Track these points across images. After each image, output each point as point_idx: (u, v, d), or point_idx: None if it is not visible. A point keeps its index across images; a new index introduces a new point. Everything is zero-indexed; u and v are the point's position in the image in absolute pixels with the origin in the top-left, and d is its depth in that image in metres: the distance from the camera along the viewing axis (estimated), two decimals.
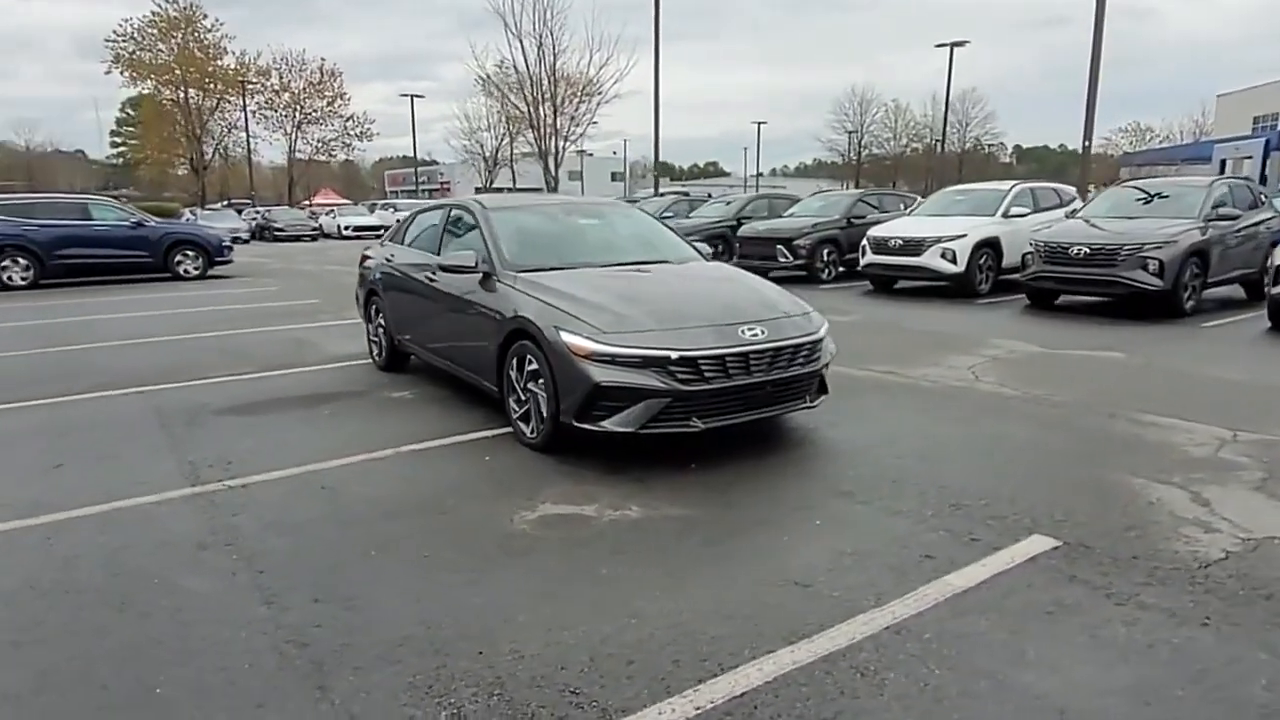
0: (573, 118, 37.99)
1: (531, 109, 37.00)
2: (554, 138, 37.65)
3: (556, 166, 38.07)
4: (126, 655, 2.52)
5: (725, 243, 14.28)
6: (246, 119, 46.30)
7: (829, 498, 3.81)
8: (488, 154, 52.73)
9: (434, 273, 5.50)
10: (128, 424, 5.20)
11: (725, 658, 2.45)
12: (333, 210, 40.23)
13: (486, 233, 5.18)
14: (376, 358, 6.82)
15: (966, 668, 2.38)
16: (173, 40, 44.28)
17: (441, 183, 68.34)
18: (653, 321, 4.17)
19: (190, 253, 14.89)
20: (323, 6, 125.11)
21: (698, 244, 5.85)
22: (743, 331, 4.19)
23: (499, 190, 44.20)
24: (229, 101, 47.46)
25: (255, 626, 2.68)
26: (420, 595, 2.89)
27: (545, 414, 4.25)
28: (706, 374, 4.04)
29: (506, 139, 50.36)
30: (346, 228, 35.26)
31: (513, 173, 51.99)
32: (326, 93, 51.37)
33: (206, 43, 45.94)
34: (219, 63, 46.51)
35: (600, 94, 36.44)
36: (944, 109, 41.54)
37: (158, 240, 14.40)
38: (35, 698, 2.32)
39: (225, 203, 45.57)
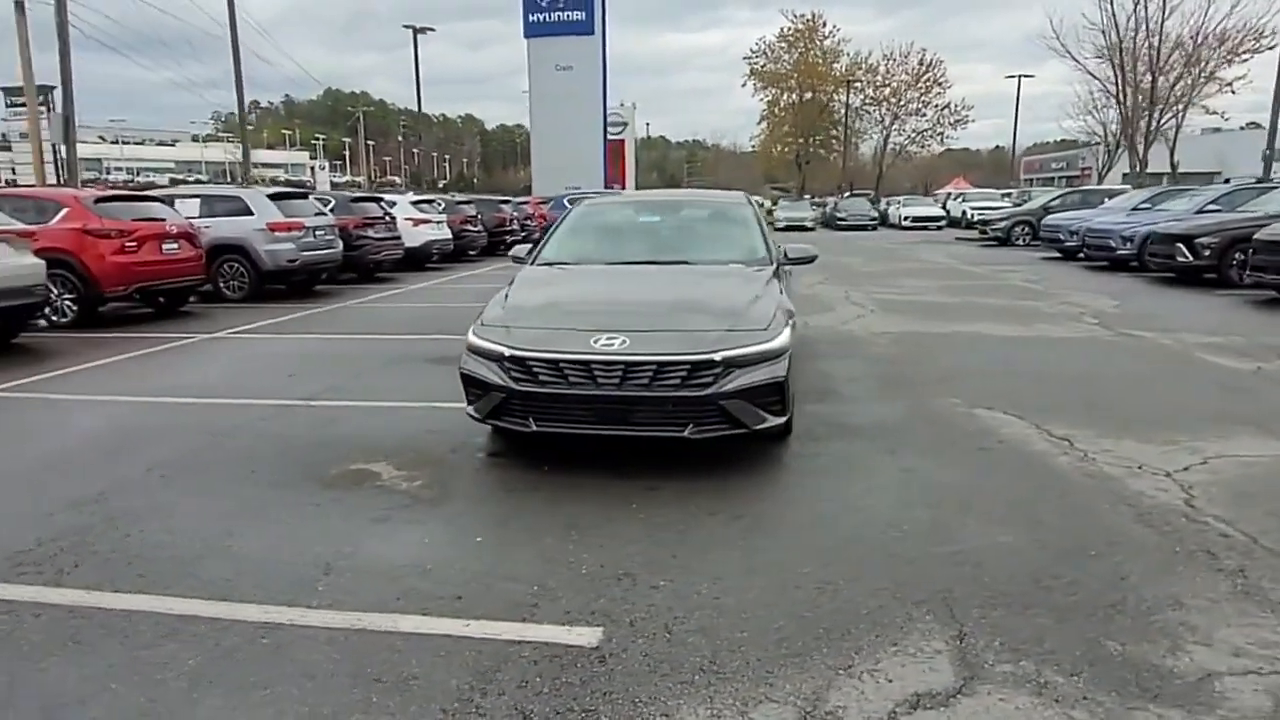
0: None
1: (1124, 74, 32.63)
2: (1150, 113, 32.66)
3: (1146, 147, 33.04)
4: (238, 453, 5.72)
5: None
6: (846, 116, 51.66)
7: None
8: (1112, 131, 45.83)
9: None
10: (360, 359, 8.57)
11: None
12: (898, 200, 42.30)
13: (555, 225, 6.12)
14: None
15: None
16: (795, 51, 51.84)
17: (1082, 169, 62.15)
18: (540, 320, 4.48)
19: None
20: None
21: (782, 248, 5.74)
22: (595, 340, 4.12)
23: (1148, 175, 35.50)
24: (836, 99, 53.37)
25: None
26: None
27: None
28: (540, 376, 4.12)
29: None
30: (906, 218, 37.07)
31: (1171, 153, 37.41)
32: (925, 83, 53.40)
33: (825, 48, 52.35)
34: (834, 65, 52.53)
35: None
36: None
37: None
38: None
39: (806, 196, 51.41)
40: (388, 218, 16.10)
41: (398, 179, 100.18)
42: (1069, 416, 5.28)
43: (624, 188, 36.72)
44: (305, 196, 14.48)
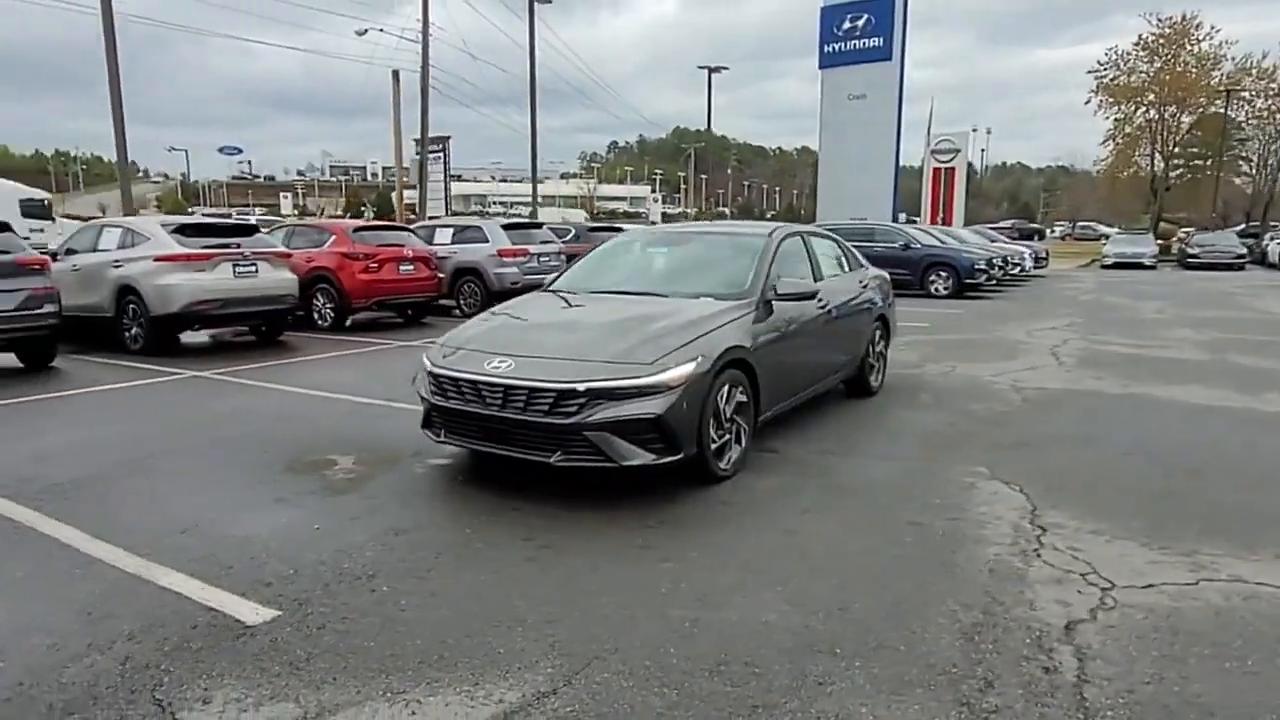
0: None
1: None
2: None
3: None
4: (274, 438, 6.63)
5: None
6: (1224, 132, 42.83)
7: None
8: None
9: None
10: None
11: None
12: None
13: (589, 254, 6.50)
14: None
15: None
16: (1159, 59, 44.26)
17: None
18: (474, 341, 4.80)
19: (943, 273, 17.73)
20: None
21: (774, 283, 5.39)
22: (488, 363, 4.40)
23: None
24: (1211, 112, 44.60)
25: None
26: None
27: None
28: (447, 393, 4.50)
29: None
30: None
31: None
32: None
33: (1200, 53, 44.05)
34: (1212, 73, 44.06)
35: None
36: None
37: (918, 260, 17.81)
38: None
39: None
40: None
41: (727, 209, 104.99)
42: (1110, 515, 4.25)
43: (949, 221, 34.56)
44: (538, 227, 16.28)
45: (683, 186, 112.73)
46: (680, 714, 2.47)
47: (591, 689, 2.60)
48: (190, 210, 66.81)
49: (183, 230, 10.03)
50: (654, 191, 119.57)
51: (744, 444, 4.88)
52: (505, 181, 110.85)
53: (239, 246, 10.14)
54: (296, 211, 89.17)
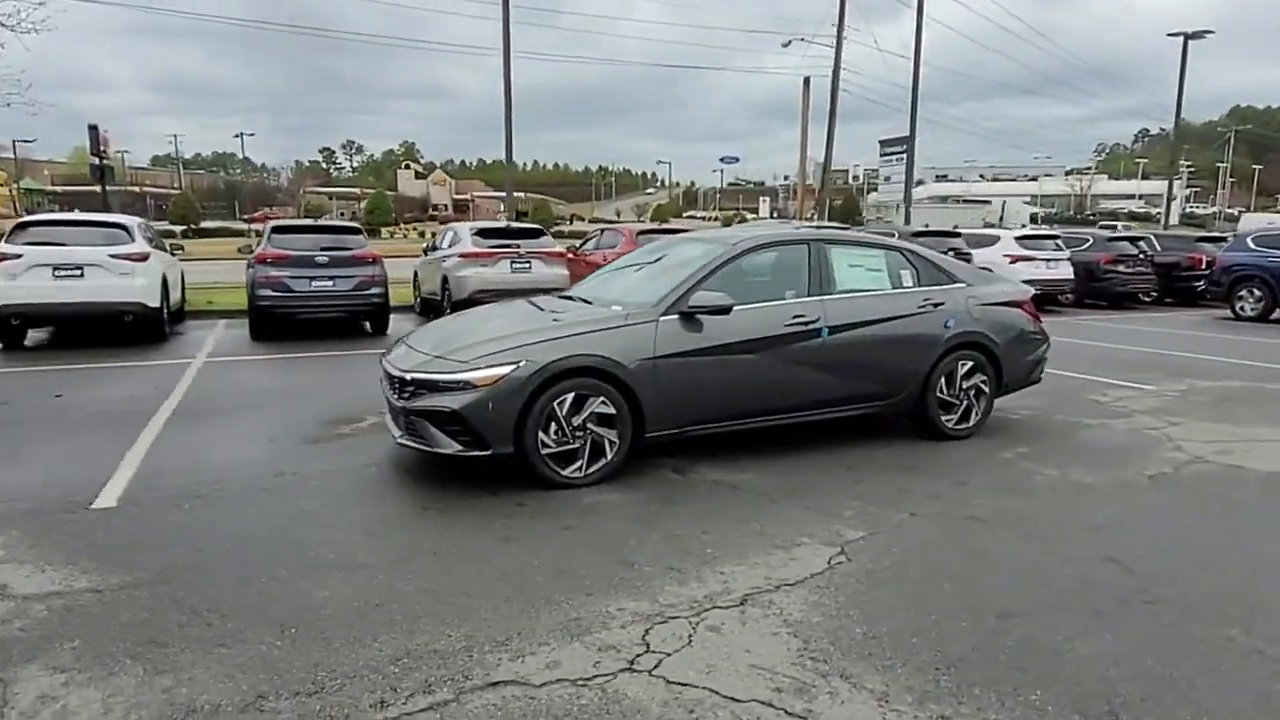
0: None
1: None
2: None
3: None
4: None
5: None
6: None
7: None
8: None
9: None
10: None
11: None
12: None
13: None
14: None
15: None
16: None
17: None
18: (419, 337, 5.41)
19: (1256, 291, 14.81)
20: None
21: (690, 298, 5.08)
22: (398, 351, 5.20)
23: None
24: None
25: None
26: None
27: None
28: (389, 383, 5.05)
29: None
30: None
31: None
32: None
33: None
34: None
35: None
36: None
37: None
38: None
39: None
40: (1139, 255, 17.59)
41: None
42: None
43: None
44: (1055, 238, 17.34)
45: (1225, 179, 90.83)
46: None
47: None
48: (664, 219, 76.84)
49: (481, 234, 12.58)
50: (1182, 185, 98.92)
51: (611, 456, 4.80)
52: (999, 180, 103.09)
53: (518, 248, 12.31)
54: (774, 214, 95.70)
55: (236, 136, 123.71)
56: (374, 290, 11.39)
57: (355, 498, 4.63)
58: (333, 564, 3.67)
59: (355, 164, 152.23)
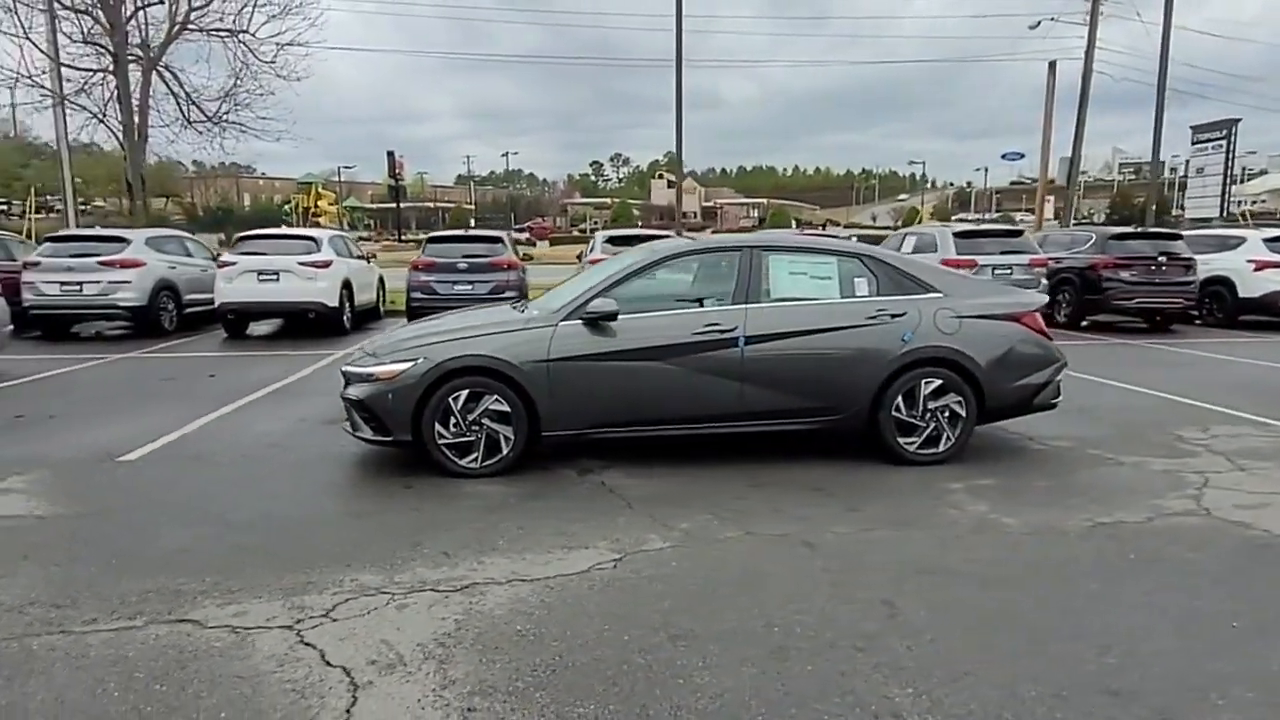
0: None
1: None
2: None
3: None
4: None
5: None
6: None
7: None
8: None
9: None
10: None
11: None
12: None
13: None
14: None
15: None
16: None
17: None
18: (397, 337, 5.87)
19: None
20: None
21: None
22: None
23: None
24: None
25: None
26: None
27: None
28: None
29: None
30: None
31: None
32: None
33: None
34: None
35: None
36: None
37: None
38: None
39: None
40: (1162, 259, 13.37)
41: None
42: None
43: None
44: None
45: None
46: None
47: None
48: (939, 220, 72.01)
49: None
50: None
51: (506, 451, 5.13)
52: None
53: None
54: (1055, 216, 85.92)
55: (507, 154, 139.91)
56: (509, 293, 12.52)
57: (300, 470, 5.44)
58: (220, 519, 4.45)
59: (621, 175, 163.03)
